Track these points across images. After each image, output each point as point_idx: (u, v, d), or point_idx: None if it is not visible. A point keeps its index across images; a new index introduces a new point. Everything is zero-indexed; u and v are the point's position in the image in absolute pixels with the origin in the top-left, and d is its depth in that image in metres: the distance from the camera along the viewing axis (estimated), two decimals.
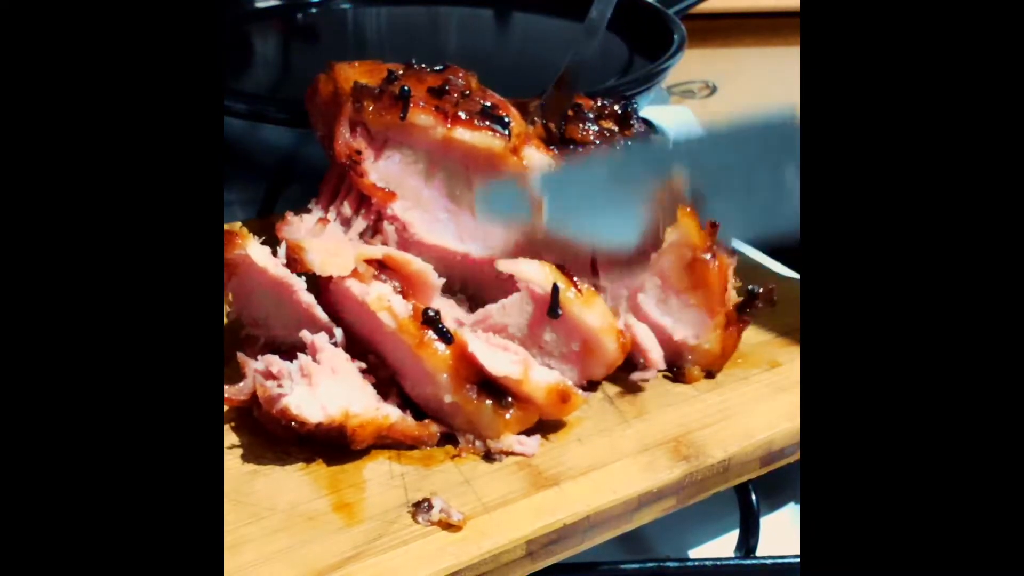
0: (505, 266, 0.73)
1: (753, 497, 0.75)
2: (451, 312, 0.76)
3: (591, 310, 0.71)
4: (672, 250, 0.74)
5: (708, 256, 0.73)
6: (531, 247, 0.77)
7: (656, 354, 0.75)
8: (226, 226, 0.74)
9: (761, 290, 0.75)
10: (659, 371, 0.76)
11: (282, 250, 0.75)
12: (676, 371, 0.77)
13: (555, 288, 0.70)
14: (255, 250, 0.72)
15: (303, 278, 0.73)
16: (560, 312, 0.70)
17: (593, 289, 0.73)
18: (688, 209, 0.73)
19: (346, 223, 0.81)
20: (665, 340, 0.76)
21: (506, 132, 0.76)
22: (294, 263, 0.73)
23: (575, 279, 0.71)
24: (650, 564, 0.71)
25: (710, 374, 0.78)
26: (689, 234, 0.73)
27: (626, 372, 0.76)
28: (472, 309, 0.77)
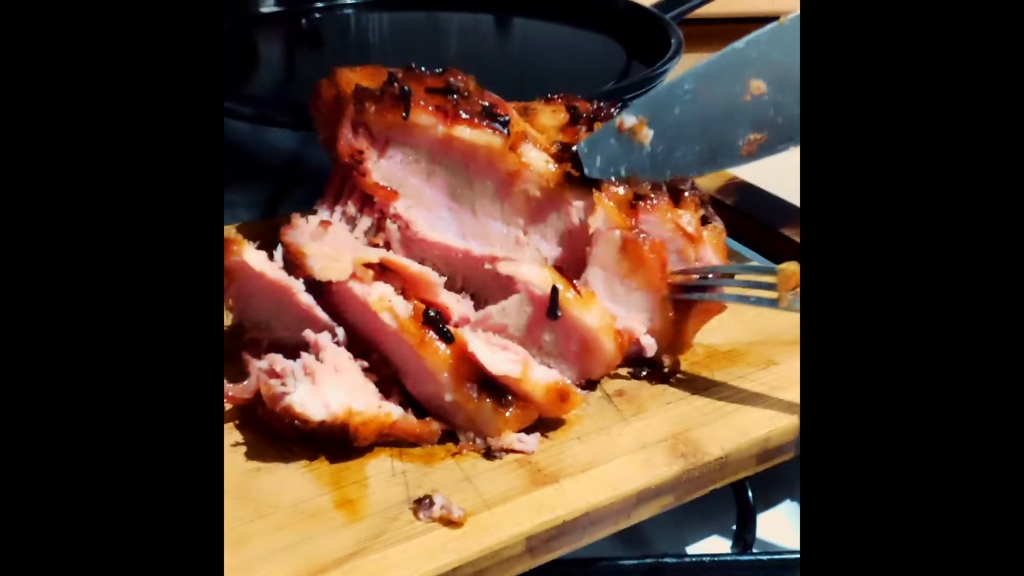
0: (505, 268, 0.74)
1: (750, 494, 0.75)
2: (457, 307, 0.77)
3: (589, 311, 0.72)
4: (601, 236, 0.75)
5: (638, 235, 0.74)
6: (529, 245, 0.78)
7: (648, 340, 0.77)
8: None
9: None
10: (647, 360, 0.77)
11: (278, 253, 0.75)
12: (650, 372, 0.78)
13: (554, 290, 0.71)
14: (251, 255, 0.73)
15: (302, 280, 0.74)
16: (559, 313, 0.71)
17: (591, 291, 0.74)
18: (601, 193, 0.74)
19: (351, 222, 0.82)
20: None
21: (505, 130, 0.77)
22: (295, 268, 0.74)
23: (573, 281, 0.72)
24: (648, 560, 0.72)
25: (673, 371, 0.78)
26: (610, 217, 0.74)
27: (625, 370, 0.77)
28: (474, 307, 0.78)
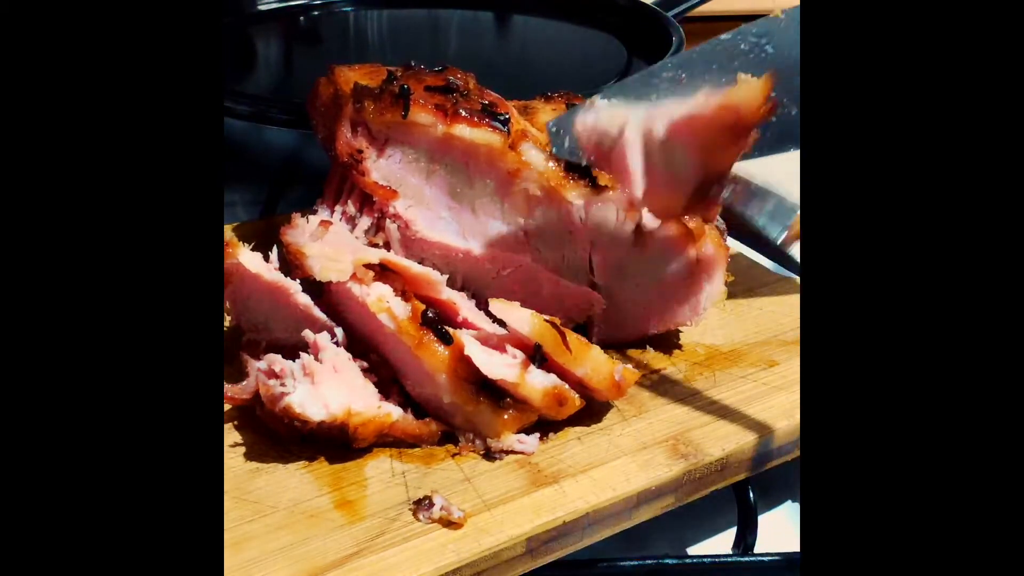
0: (497, 309, 0.70)
1: (751, 495, 0.75)
2: (463, 303, 0.76)
3: (580, 366, 0.69)
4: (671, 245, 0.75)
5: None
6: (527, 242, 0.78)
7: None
8: None
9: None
10: None
11: (274, 254, 0.75)
12: None
13: (537, 347, 0.69)
14: (246, 257, 0.73)
15: (299, 280, 0.74)
16: (545, 363, 0.69)
17: (585, 341, 0.71)
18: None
19: (350, 222, 0.82)
20: None
21: (504, 129, 0.77)
22: (294, 268, 0.74)
23: (565, 333, 0.70)
24: (649, 561, 0.72)
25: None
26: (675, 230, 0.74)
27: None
28: (475, 307, 0.78)
